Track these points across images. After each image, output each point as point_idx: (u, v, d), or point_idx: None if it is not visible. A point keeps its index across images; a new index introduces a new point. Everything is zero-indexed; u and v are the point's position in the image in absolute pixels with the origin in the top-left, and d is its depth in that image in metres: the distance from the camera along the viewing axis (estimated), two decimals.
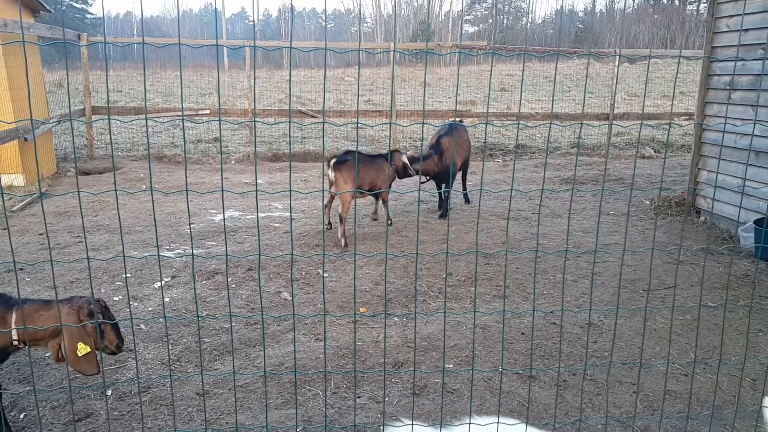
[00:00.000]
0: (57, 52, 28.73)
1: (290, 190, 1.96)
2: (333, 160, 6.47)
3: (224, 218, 2.94)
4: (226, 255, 2.23)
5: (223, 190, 2.02)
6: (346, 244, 6.36)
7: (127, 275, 5.40)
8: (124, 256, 2.06)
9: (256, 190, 1.96)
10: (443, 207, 7.76)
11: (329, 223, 7.05)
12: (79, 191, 1.89)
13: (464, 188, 8.43)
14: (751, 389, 3.70)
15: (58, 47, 28.10)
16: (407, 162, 6.90)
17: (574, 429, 3.26)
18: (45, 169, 9.71)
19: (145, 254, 5.93)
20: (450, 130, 7.66)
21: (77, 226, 6.95)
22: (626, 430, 3.26)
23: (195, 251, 6.11)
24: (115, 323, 2.90)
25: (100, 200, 8.14)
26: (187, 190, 1.93)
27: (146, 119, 1.75)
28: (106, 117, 11.78)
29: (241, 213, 7.71)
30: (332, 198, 6.94)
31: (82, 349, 2.68)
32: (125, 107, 13.25)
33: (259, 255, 2.16)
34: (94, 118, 11.41)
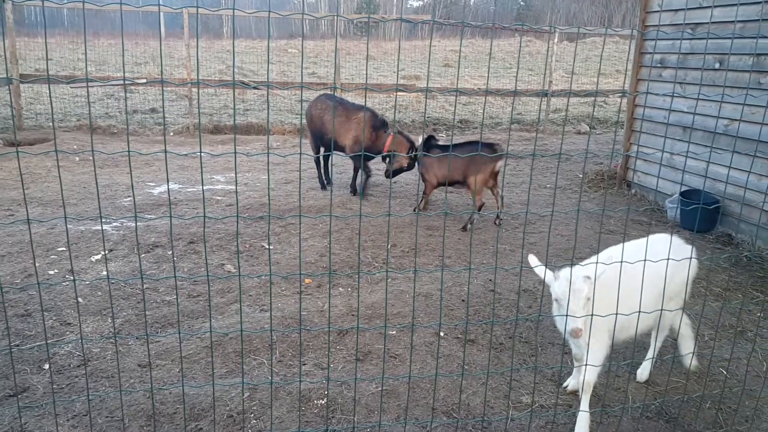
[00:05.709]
0: None
1: (235, 153, 1.97)
2: None
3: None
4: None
5: (165, 152, 2.01)
6: None
7: (63, 248, 5.25)
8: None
9: (200, 152, 1.96)
10: (321, 179, 7.75)
11: None
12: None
13: (354, 178, 7.61)
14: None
15: None
16: None
17: (508, 387, 3.43)
18: None
19: (81, 227, 5.76)
20: (328, 98, 7.62)
21: (6, 198, 6.66)
22: (557, 387, 3.46)
23: (133, 224, 5.98)
24: None
25: (32, 173, 7.81)
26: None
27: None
28: (41, 84, 11.15)
29: (180, 186, 7.56)
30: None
31: None
32: (56, 76, 12.64)
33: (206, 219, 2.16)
34: (22, 86, 10.86)
